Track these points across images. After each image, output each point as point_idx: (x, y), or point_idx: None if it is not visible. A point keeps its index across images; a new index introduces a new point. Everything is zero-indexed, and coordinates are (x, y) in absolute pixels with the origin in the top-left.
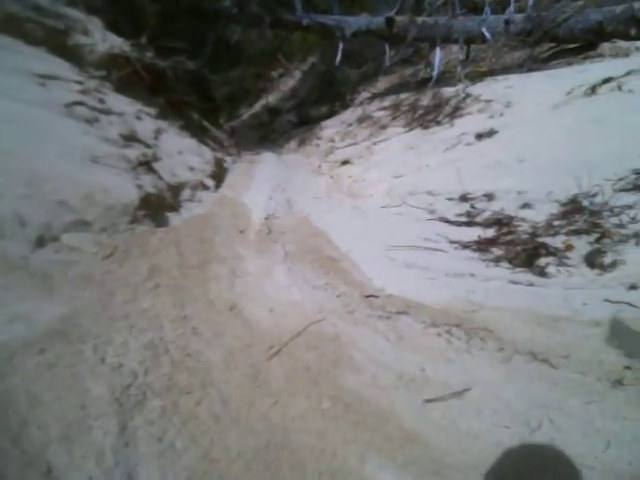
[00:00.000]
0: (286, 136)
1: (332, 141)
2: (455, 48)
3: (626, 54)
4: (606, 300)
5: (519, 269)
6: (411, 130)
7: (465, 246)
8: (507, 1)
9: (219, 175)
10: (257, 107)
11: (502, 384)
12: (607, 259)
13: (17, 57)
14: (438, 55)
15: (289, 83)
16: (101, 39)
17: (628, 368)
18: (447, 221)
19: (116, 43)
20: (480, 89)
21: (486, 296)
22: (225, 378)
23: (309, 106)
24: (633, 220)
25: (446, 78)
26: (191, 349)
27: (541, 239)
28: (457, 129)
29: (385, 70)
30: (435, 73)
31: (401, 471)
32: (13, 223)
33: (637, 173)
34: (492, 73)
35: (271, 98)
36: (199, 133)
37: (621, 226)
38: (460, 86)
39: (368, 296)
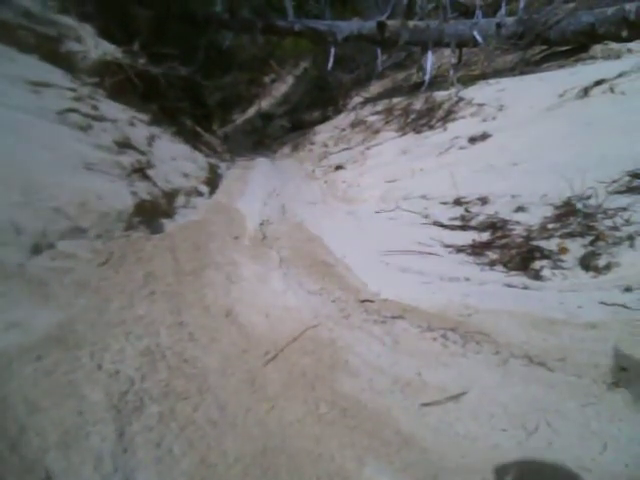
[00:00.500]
0: (279, 141)
1: (325, 146)
2: (447, 52)
3: (618, 56)
4: (601, 302)
5: (514, 272)
6: (404, 134)
7: (460, 250)
8: (498, 4)
9: (213, 181)
10: (250, 113)
11: (498, 387)
12: (602, 261)
13: (9, 64)
14: (430, 59)
15: (282, 88)
16: (93, 46)
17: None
18: (441, 225)
19: (108, 50)
20: (472, 93)
21: (481, 300)
22: (222, 384)
23: (302, 111)
24: (627, 222)
25: (438, 82)
26: (188, 355)
27: (535, 242)
28: (450, 133)
29: (377, 74)
30: (427, 77)
31: (399, 475)
32: (8, 231)
33: (630, 175)
34: (484, 76)
35: (264, 103)
36: (192, 139)
37: (615, 228)
38: (452, 90)
39: (363, 301)
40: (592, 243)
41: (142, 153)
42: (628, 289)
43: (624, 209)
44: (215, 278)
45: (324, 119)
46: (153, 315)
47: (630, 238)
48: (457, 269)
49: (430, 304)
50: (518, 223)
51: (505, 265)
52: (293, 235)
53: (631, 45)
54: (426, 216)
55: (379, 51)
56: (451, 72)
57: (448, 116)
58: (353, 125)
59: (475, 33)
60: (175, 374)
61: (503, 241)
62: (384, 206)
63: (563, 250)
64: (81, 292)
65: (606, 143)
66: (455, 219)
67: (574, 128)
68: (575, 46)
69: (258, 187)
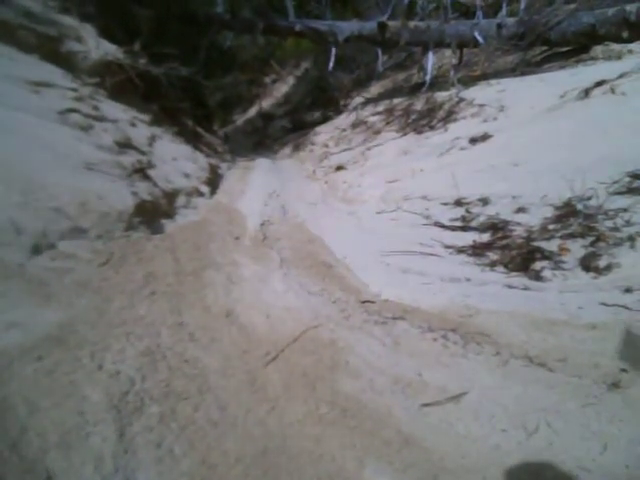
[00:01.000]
0: (280, 142)
1: (326, 146)
2: (448, 52)
3: (619, 57)
4: (602, 303)
5: (515, 273)
6: (405, 135)
7: (460, 251)
8: (499, 5)
9: (214, 181)
10: (251, 113)
11: (499, 388)
12: (602, 262)
13: (10, 64)
14: (431, 60)
15: (282, 89)
16: (94, 46)
17: (624, 371)
18: (442, 226)
19: (109, 50)
20: (473, 93)
21: (482, 300)
22: (222, 384)
23: (303, 111)
24: (628, 223)
25: (439, 82)
26: (188, 355)
27: (536, 243)
28: (451, 134)
29: (378, 75)
30: (428, 78)
31: (399, 475)
32: (9, 231)
33: (631, 176)
34: (485, 77)
35: (265, 104)
36: (193, 139)
37: (616, 229)
38: (453, 90)
39: (364, 301)
40: (593, 244)
41: (143, 153)
42: (629, 290)
43: (625, 210)
44: (216, 278)
45: (325, 119)
46: (154, 315)
47: (631, 239)
48: (458, 270)
49: (431, 305)
50: (519, 224)
51: (506, 266)
52: (294, 235)
53: (632, 46)
54: (427, 217)
55: (380, 51)
56: (452, 73)
57: (449, 117)
58: (354, 125)
59: (476, 34)
60: (176, 374)
61: (504, 242)
62: (385, 206)
63: (564, 251)
64: (82, 292)
65: (607, 144)
66: (456, 220)
67: (575, 129)
68: (576, 47)
69: (259, 187)
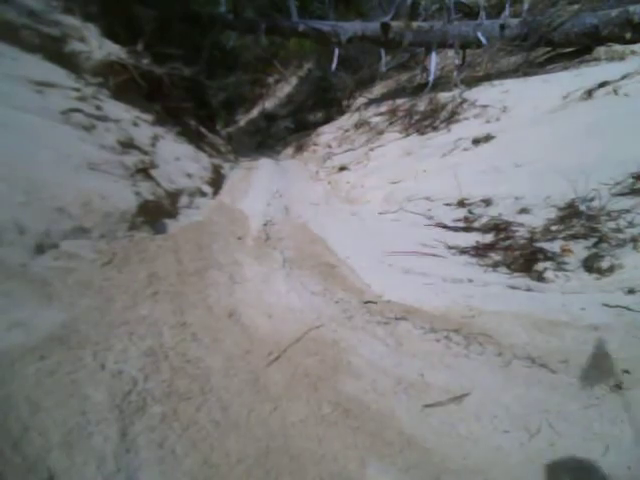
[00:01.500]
0: (283, 142)
1: (329, 147)
2: (451, 53)
3: (622, 58)
4: (604, 305)
5: (517, 274)
6: (408, 135)
7: (463, 251)
8: (502, 6)
9: (217, 182)
10: (254, 113)
11: (501, 389)
12: (605, 263)
13: (13, 64)
14: (434, 60)
15: (285, 89)
16: (97, 46)
17: (627, 372)
18: (445, 226)
19: (112, 50)
20: (476, 94)
21: (484, 301)
22: (225, 384)
23: (306, 112)
24: (630, 224)
25: (442, 83)
26: (190, 355)
27: (539, 244)
28: (454, 134)
29: (381, 75)
30: (431, 78)
31: (401, 476)
32: (12, 230)
33: (634, 177)
34: (488, 78)
35: (268, 104)
36: (196, 139)
37: (618, 230)
38: (456, 91)
39: (367, 302)
40: (595, 245)
41: (146, 153)
42: (631, 291)
43: (627, 211)
44: (218, 278)
45: (328, 120)
46: (156, 315)
47: (633, 240)
48: (460, 270)
49: (433, 305)
50: (522, 225)
51: (508, 267)
52: (297, 236)
53: (635, 47)
54: (430, 217)
55: (383, 52)
56: (455, 73)
57: (452, 117)
58: (357, 126)
59: (479, 34)
60: (178, 374)
61: (506, 243)
62: (388, 207)
63: (567, 252)
64: (84, 292)
65: (609, 145)
66: (459, 220)
67: (578, 130)
68: (579, 48)
69: (262, 188)
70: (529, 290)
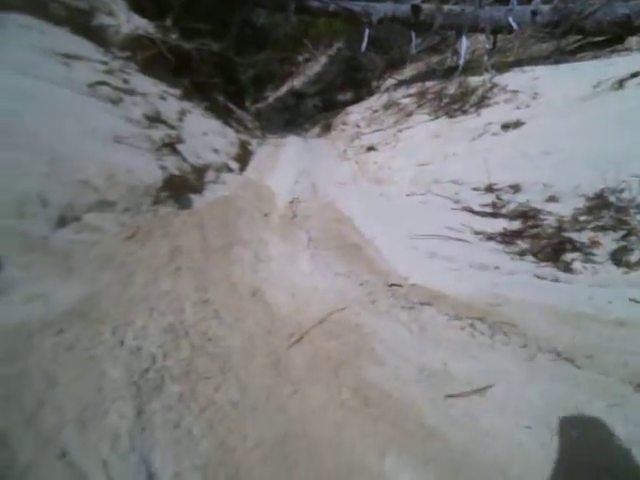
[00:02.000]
0: (311, 120)
1: (358, 127)
2: (482, 37)
3: None
4: (632, 300)
5: (544, 263)
6: (437, 118)
7: (490, 237)
8: None
9: (243, 157)
10: (283, 90)
11: (525, 383)
12: (633, 257)
13: (40, 37)
14: (464, 44)
15: (315, 68)
16: (125, 20)
17: None
18: (472, 211)
19: (141, 24)
20: (507, 79)
21: (510, 290)
22: (245, 365)
23: (335, 91)
24: None
25: (472, 67)
26: (211, 334)
27: (567, 234)
28: (483, 119)
29: (411, 57)
30: (461, 62)
31: (421, 468)
32: (35, 202)
33: None
34: (519, 64)
35: (297, 82)
36: (224, 115)
37: None
38: (487, 76)
39: (391, 285)
40: (624, 238)
41: (172, 127)
42: None
43: None
44: (243, 256)
45: (357, 100)
46: (178, 291)
47: None
48: (487, 257)
49: (459, 291)
50: (550, 213)
51: (535, 255)
52: (323, 215)
53: None
54: (457, 201)
55: (413, 34)
56: (486, 58)
57: (482, 102)
58: (386, 107)
59: (510, 19)
60: (198, 353)
61: (534, 231)
62: (415, 189)
63: (595, 243)
64: (106, 266)
65: None
66: (486, 206)
67: (608, 120)
68: (610, 37)
69: (289, 165)
70: (556, 281)
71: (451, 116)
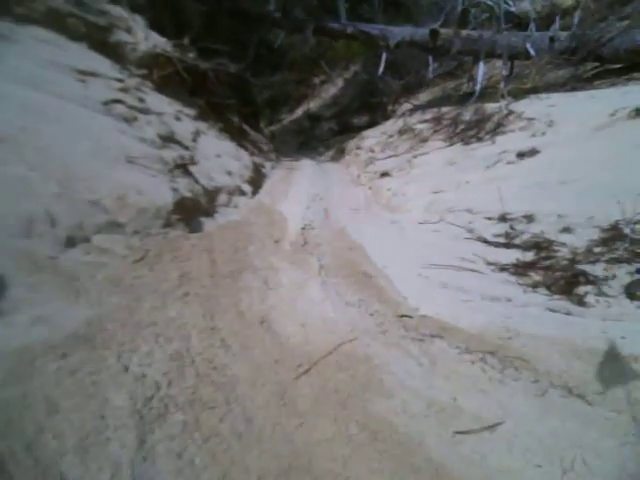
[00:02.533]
0: (326, 143)
1: (372, 151)
2: (499, 63)
3: None
4: None
5: (557, 296)
6: (452, 145)
7: (503, 268)
8: (552, 18)
9: (257, 181)
10: (298, 113)
11: (536, 419)
12: None
13: (57, 51)
14: (482, 69)
15: (331, 90)
16: (143, 38)
17: None
18: (485, 241)
19: (158, 42)
20: (523, 106)
21: (522, 323)
22: (251, 395)
23: (350, 115)
24: None
25: (489, 93)
26: (217, 362)
27: (581, 266)
28: (498, 146)
29: (428, 82)
30: (478, 88)
31: None
32: (44, 222)
33: None
34: (535, 90)
35: (312, 104)
36: (238, 136)
37: None
38: (503, 102)
39: (402, 316)
40: (639, 271)
41: (186, 148)
42: None
43: None
44: (252, 283)
45: (372, 124)
46: (185, 318)
47: None
48: (499, 288)
49: (470, 324)
50: (564, 244)
51: (549, 288)
52: (335, 242)
53: None
54: (470, 230)
55: (431, 59)
56: (502, 84)
57: (497, 129)
58: (401, 132)
59: (528, 46)
60: (203, 381)
61: (547, 262)
62: (428, 217)
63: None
64: (113, 289)
65: None
66: (499, 236)
67: (624, 149)
68: (628, 65)
69: (302, 189)
70: (569, 314)
71: (466, 143)
